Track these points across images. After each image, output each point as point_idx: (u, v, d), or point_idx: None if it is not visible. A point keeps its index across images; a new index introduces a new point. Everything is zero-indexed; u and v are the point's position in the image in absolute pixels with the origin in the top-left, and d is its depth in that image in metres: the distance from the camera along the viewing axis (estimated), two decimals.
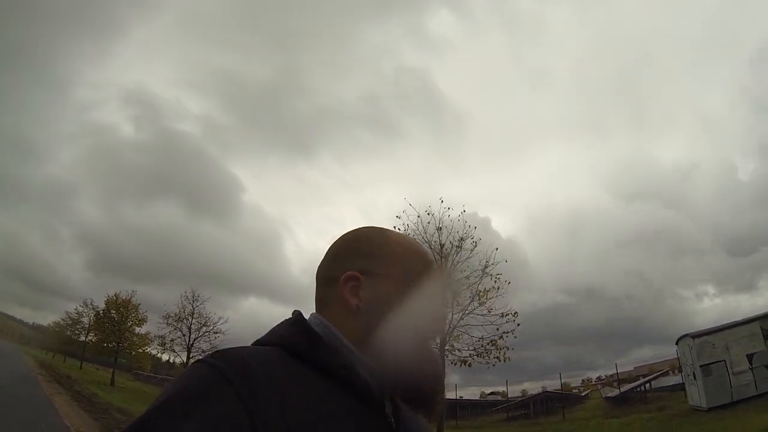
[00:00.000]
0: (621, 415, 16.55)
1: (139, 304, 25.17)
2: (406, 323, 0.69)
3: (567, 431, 16.44)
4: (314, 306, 0.77)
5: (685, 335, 14.54)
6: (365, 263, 0.74)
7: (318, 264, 0.80)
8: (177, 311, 18.99)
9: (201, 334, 18.01)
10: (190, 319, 18.05)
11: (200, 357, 0.65)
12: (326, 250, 0.80)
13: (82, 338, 32.49)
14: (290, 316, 0.75)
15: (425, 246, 0.76)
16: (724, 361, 13.19)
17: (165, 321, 19.89)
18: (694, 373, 14.02)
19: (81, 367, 33.25)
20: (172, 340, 19.39)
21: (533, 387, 26.83)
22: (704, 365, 13.50)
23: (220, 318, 18.52)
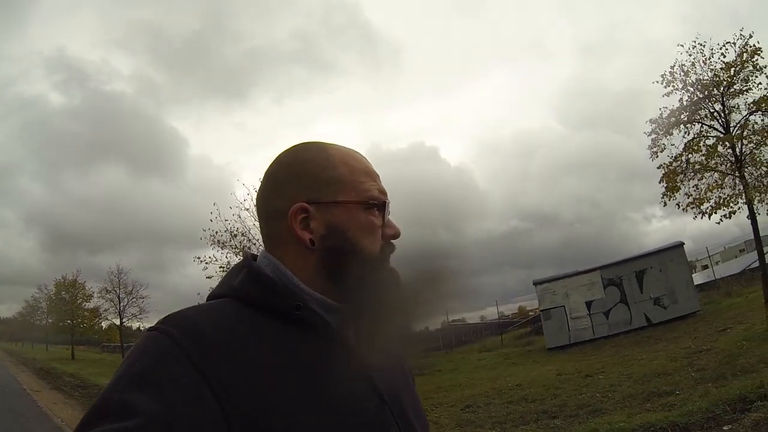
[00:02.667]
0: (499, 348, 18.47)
1: (85, 282, 28.70)
2: (362, 250, 0.68)
3: (435, 363, 16.46)
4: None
5: (534, 281, 15.58)
6: (312, 191, 0.69)
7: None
8: (107, 285, 22.91)
9: (128, 302, 22.04)
10: (118, 291, 21.95)
11: (154, 324, 0.61)
12: (263, 177, 0.75)
13: (44, 323, 36.04)
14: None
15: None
16: (564, 306, 14.47)
17: (100, 295, 24.57)
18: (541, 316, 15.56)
19: (47, 349, 37.42)
20: (105, 310, 23.86)
21: (492, 313, 27.39)
22: (545, 310, 14.90)
23: (142, 285, 22.97)
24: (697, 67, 8.54)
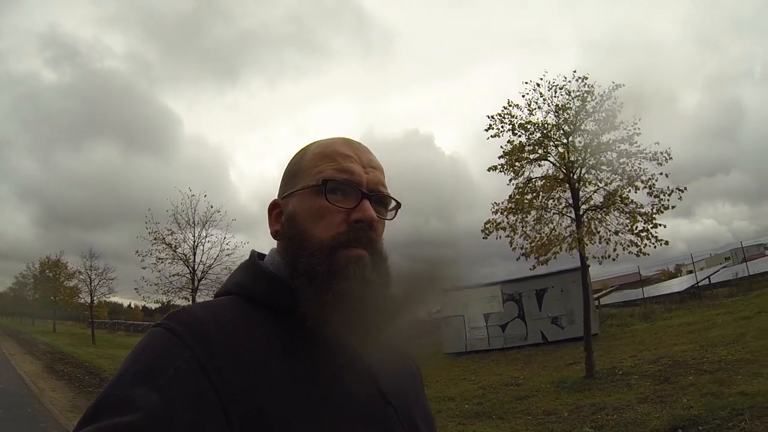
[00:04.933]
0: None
1: (67, 262, 31.41)
2: (310, 237, 0.67)
3: None
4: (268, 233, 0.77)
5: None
6: (286, 187, 0.74)
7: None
8: (80, 268, 26.42)
9: (99, 282, 25.28)
10: (90, 273, 25.11)
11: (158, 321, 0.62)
12: None
13: (31, 298, 38.90)
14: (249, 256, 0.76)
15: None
16: (463, 316, 15.09)
17: (74, 276, 28.34)
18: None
19: (33, 323, 40.30)
20: (79, 289, 27.76)
21: None
22: (446, 317, 14.74)
23: (111, 268, 25.92)
24: (535, 105, 8.76)
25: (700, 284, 19.53)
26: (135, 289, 14.44)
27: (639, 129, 8.33)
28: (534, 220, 8.81)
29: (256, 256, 0.75)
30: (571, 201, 8.68)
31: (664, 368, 7.63)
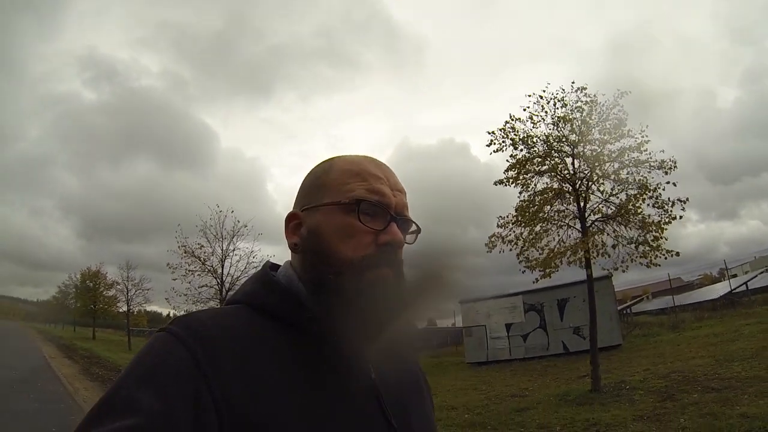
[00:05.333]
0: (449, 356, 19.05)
1: (106, 273, 33.32)
2: (335, 253, 0.68)
3: None
4: None
5: (460, 301, 19.66)
6: (306, 199, 0.74)
7: None
8: (117, 279, 28.40)
9: (135, 292, 27.02)
10: (127, 284, 26.73)
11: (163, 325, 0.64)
12: None
13: (73, 307, 40.95)
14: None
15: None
16: (485, 326, 15.62)
17: (112, 287, 30.39)
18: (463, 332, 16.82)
19: (74, 330, 42.24)
20: (117, 299, 29.35)
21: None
22: (467, 327, 16.23)
23: (147, 278, 27.66)
24: (538, 118, 8.73)
25: (736, 290, 19.16)
26: (166, 299, 15.18)
27: (647, 136, 8.28)
28: (541, 232, 8.78)
29: (269, 268, 0.76)
30: (577, 213, 8.65)
31: (671, 384, 7.52)
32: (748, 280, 19.64)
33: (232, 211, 15.34)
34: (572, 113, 8.62)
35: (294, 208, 0.76)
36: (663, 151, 8.28)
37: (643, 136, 8.28)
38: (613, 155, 8.37)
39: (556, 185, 8.72)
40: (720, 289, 21.27)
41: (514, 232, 8.94)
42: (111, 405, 0.53)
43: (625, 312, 21.20)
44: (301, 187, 0.77)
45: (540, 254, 8.76)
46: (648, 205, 8.22)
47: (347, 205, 0.69)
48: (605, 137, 8.45)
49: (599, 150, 8.47)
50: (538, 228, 8.78)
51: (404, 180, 0.78)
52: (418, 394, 0.81)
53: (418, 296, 0.70)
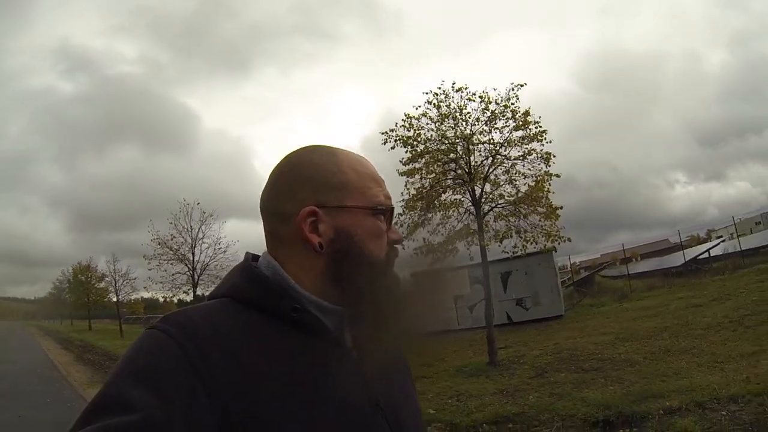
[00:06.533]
0: None
1: (96, 266, 35.45)
2: (369, 254, 0.71)
3: None
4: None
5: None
6: (321, 195, 0.72)
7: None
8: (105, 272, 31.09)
9: (123, 283, 29.36)
10: (115, 276, 29.29)
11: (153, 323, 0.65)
12: (270, 177, 0.77)
13: (68, 302, 43.11)
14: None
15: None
16: None
17: (100, 281, 33.24)
18: None
19: (72, 324, 44.68)
20: (108, 290, 32.34)
21: None
22: None
23: (132, 269, 29.38)
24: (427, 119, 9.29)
25: (700, 257, 19.97)
26: (144, 287, 17.15)
27: (541, 126, 9.03)
28: (440, 218, 9.23)
29: (251, 259, 0.75)
30: (472, 202, 9.29)
31: (554, 361, 8.11)
32: (711, 248, 20.69)
33: (198, 203, 17.29)
34: (460, 109, 9.30)
35: (296, 201, 0.71)
36: (551, 141, 9.09)
37: (537, 127, 9.06)
38: (507, 149, 9.14)
39: (450, 178, 9.35)
40: (681, 256, 21.79)
41: (410, 217, 9.39)
42: (104, 403, 0.54)
43: (589, 278, 22.37)
44: (305, 179, 0.73)
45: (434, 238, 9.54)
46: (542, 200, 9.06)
47: (377, 210, 0.74)
48: (502, 131, 9.19)
49: (492, 142, 9.21)
50: (439, 216, 9.25)
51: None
52: (403, 382, 0.83)
53: (422, 293, 0.77)
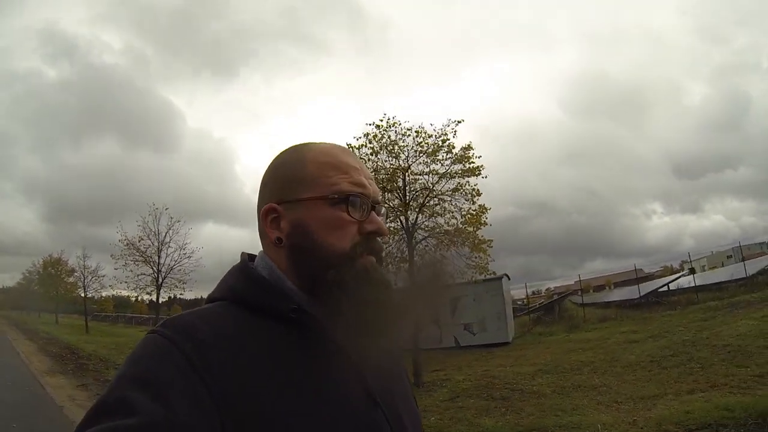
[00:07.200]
0: None
1: (68, 259, 35.09)
2: (326, 247, 0.70)
3: None
4: None
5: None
6: (282, 191, 0.74)
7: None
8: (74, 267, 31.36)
9: (91, 279, 29.26)
10: (84, 271, 29.36)
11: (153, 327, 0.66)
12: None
13: (37, 294, 42.98)
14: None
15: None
16: None
17: (70, 275, 33.34)
18: None
19: (39, 316, 44.69)
20: (77, 285, 32.18)
21: None
22: None
23: (102, 268, 29.00)
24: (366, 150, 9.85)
25: (660, 290, 20.20)
26: (109, 285, 17.83)
27: (479, 158, 9.81)
28: None
29: (248, 260, 0.77)
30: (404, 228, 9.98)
31: (472, 387, 8.40)
32: (670, 282, 20.93)
33: (167, 209, 18.27)
34: (393, 144, 10.04)
35: (265, 200, 0.75)
36: (486, 177, 9.94)
37: (474, 159, 9.84)
38: (441, 183, 9.85)
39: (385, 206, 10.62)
40: (650, 286, 22.11)
41: None
42: (106, 407, 0.54)
43: (551, 305, 23.05)
44: (271, 178, 0.76)
45: None
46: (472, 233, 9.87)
47: (335, 199, 0.71)
48: (438, 162, 9.95)
49: (433, 172, 9.94)
50: None
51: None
52: (400, 382, 0.84)
53: (420, 294, 0.79)
